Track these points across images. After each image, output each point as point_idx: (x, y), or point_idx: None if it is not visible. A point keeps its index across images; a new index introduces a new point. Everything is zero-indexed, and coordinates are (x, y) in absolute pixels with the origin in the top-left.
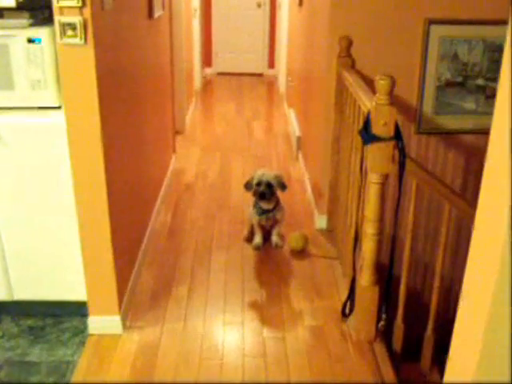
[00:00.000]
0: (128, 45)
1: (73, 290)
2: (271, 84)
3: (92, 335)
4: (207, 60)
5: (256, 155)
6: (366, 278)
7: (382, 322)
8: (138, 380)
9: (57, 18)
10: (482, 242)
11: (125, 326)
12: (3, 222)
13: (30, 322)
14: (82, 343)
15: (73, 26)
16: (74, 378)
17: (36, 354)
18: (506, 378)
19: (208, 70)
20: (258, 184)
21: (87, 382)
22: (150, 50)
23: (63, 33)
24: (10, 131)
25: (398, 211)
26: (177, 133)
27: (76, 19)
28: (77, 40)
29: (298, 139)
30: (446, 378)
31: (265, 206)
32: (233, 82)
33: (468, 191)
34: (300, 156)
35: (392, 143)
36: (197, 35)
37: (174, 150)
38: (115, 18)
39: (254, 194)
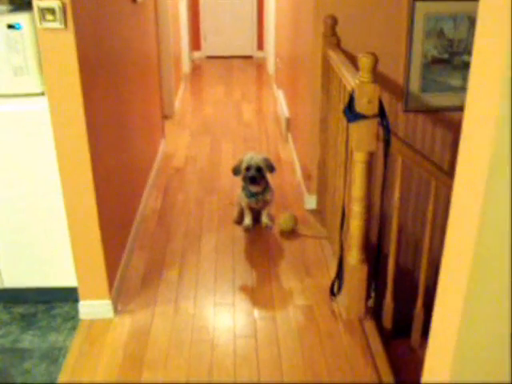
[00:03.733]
0: (111, 29)
1: (63, 276)
2: (260, 66)
3: (83, 320)
4: (196, 43)
5: (245, 137)
6: (353, 257)
7: (371, 300)
8: (130, 365)
9: (35, 2)
10: (459, 219)
11: (116, 310)
12: None
13: (21, 309)
14: (74, 328)
15: (52, 11)
16: (66, 363)
17: (28, 340)
18: (486, 355)
19: (197, 54)
20: (248, 168)
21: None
22: (134, 34)
23: (42, 17)
24: None
25: (385, 189)
26: (166, 117)
27: (55, 3)
28: (56, 24)
29: (287, 120)
30: (428, 356)
31: (254, 189)
32: (222, 65)
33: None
34: (289, 137)
35: (376, 121)
36: (184, 19)
37: (163, 135)
38: (96, 1)
39: (244, 179)
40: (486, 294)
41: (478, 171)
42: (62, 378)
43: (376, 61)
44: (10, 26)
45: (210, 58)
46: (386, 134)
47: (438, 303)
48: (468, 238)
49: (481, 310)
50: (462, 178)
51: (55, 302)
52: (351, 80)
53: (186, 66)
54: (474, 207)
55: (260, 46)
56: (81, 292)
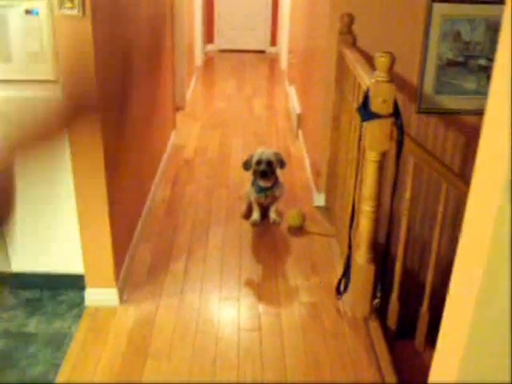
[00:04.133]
0: (127, 18)
1: (70, 262)
2: (273, 61)
3: (89, 308)
4: (209, 36)
5: (256, 132)
6: (361, 256)
7: (376, 300)
8: (134, 354)
9: None
10: (474, 224)
11: (121, 300)
12: None
13: (27, 293)
14: (79, 315)
15: None
16: (70, 350)
17: (33, 325)
18: (495, 356)
19: (210, 47)
20: (258, 163)
21: (79, 369)
22: (150, 24)
23: (61, 4)
24: (6, 104)
25: (396, 189)
26: (177, 109)
27: None
28: (75, 11)
29: (299, 116)
30: (436, 356)
31: (264, 183)
32: (234, 59)
33: (467, 171)
34: (300, 133)
35: (390, 120)
36: (199, 11)
37: (174, 126)
38: None
39: (255, 173)
40: (498, 296)
41: (496, 176)
42: (65, 364)
43: (393, 61)
44: (28, 11)
45: (222, 51)
46: (400, 134)
47: (448, 303)
48: (482, 240)
49: (492, 311)
50: (479, 182)
51: (61, 289)
52: (367, 79)
53: (198, 59)
54: (490, 209)
55: (273, 42)
56: (87, 279)
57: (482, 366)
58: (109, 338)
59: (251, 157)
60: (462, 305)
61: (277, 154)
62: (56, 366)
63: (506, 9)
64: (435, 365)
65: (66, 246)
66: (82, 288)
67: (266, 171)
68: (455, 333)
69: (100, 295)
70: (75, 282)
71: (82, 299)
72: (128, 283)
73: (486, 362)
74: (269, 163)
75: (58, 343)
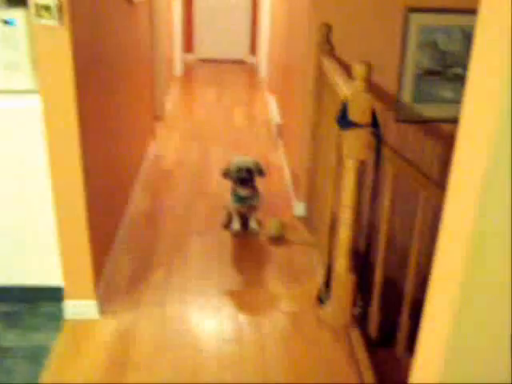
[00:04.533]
0: (106, 28)
1: (48, 275)
2: (252, 71)
3: (68, 320)
4: (188, 46)
5: (236, 142)
6: (341, 265)
7: (357, 309)
8: (114, 367)
9: None
10: (451, 230)
11: (101, 311)
12: None
13: (4, 307)
14: (58, 328)
15: (47, 7)
16: (49, 363)
17: (11, 339)
18: (474, 358)
19: (189, 56)
20: (238, 170)
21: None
22: (128, 34)
23: (38, 14)
24: None
25: (375, 198)
26: (156, 119)
27: (50, 0)
28: (52, 21)
29: (278, 126)
30: (416, 362)
31: (242, 192)
32: (214, 69)
33: (445, 180)
34: (280, 143)
35: (368, 129)
36: (178, 21)
37: (154, 136)
38: (92, 0)
39: (234, 181)
40: (478, 301)
41: (472, 184)
42: (44, 377)
43: (370, 70)
44: (5, 22)
45: (202, 60)
46: (378, 142)
47: (427, 309)
48: (460, 245)
49: (472, 315)
50: (455, 190)
51: (40, 301)
52: (345, 88)
53: (177, 68)
54: (467, 216)
55: (252, 51)
56: (66, 291)
57: (461, 370)
58: (89, 350)
59: (231, 164)
60: (439, 311)
61: (256, 163)
62: (35, 380)
63: (478, 19)
64: (414, 370)
65: (44, 257)
66: (61, 300)
67: (246, 178)
68: (434, 339)
69: (79, 307)
70: (53, 295)
71: (61, 312)
72: (108, 294)
73: (465, 367)
74: (248, 171)
75: (37, 357)
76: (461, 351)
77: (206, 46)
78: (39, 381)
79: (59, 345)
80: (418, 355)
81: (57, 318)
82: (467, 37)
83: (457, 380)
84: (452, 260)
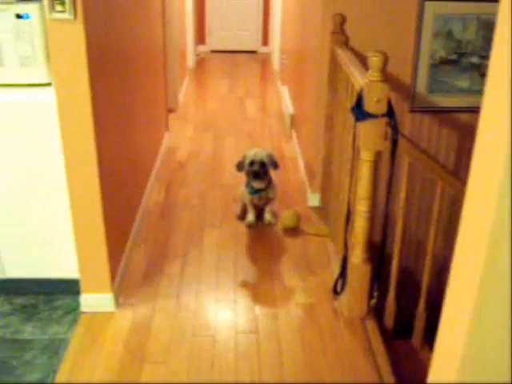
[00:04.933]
0: (119, 21)
1: (65, 267)
2: (265, 61)
3: (84, 313)
4: (201, 37)
5: (249, 133)
6: (357, 256)
7: (373, 300)
8: (131, 359)
9: None
10: (471, 223)
11: (117, 304)
12: None
13: (22, 300)
14: (75, 321)
15: (62, 1)
16: (66, 355)
17: (29, 331)
18: (494, 356)
19: (201, 48)
20: (251, 163)
21: (76, 375)
22: (141, 26)
23: (52, 8)
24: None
25: (390, 189)
26: (170, 111)
27: None
28: (66, 15)
29: (292, 117)
30: (435, 356)
31: (257, 185)
32: (226, 60)
33: (461, 170)
34: (293, 134)
35: (384, 120)
36: (190, 12)
37: (167, 128)
38: None
39: (248, 174)
40: (497, 295)
41: (493, 174)
42: (62, 370)
43: (386, 60)
44: (19, 16)
45: (214, 52)
46: (394, 133)
47: (447, 303)
48: (480, 240)
49: (491, 311)
50: (476, 181)
51: (57, 294)
52: (360, 79)
53: (190, 60)
54: (488, 208)
55: (265, 42)
56: (83, 284)
57: (481, 366)
58: (105, 342)
59: (244, 157)
60: (460, 304)
61: (270, 156)
62: (53, 373)
63: (501, 5)
64: (434, 365)
65: (60, 250)
66: (78, 293)
67: (259, 172)
68: (454, 333)
69: (95, 300)
70: (70, 287)
71: (78, 304)
72: (124, 287)
73: (485, 362)
74: (262, 164)
75: (54, 349)
76: (481, 345)
77: (218, 38)
78: (58, 373)
79: (76, 337)
80: (437, 346)
81: (73, 311)
82: (483, 25)
83: (477, 375)
84: (473, 252)
